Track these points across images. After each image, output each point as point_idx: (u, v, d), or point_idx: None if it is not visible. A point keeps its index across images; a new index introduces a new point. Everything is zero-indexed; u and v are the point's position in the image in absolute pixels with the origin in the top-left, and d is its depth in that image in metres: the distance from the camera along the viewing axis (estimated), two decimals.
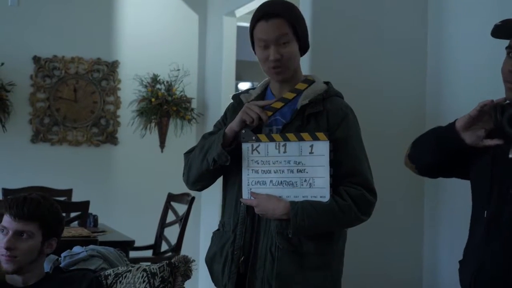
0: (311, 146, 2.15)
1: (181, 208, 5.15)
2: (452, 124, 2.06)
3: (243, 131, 2.21)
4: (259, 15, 2.24)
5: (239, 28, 5.85)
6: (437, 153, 2.10)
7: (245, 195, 2.24)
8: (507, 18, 2.01)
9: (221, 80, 5.76)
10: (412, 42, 3.82)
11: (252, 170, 2.22)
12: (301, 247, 2.18)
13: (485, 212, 1.99)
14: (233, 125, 2.23)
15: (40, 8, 5.72)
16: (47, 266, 2.44)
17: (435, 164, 2.14)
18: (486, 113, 1.98)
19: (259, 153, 2.21)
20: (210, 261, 2.35)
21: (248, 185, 2.23)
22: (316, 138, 2.15)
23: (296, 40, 2.24)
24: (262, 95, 2.35)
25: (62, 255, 2.54)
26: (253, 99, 2.33)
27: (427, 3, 3.82)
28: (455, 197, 3.54)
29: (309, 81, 2.26)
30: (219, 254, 2.29)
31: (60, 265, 2.49)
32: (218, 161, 2.21)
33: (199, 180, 2.33)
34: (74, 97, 5.83)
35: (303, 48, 2.30)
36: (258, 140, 2.21)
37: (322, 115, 2.22)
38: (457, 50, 3.58)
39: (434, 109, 3.77)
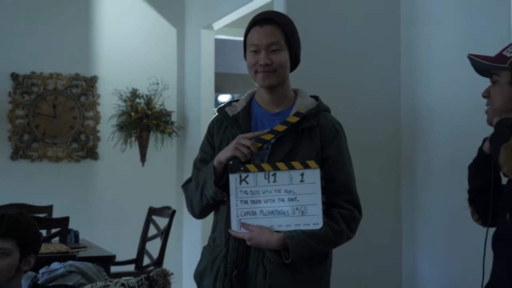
0: (302, 174, 2.13)
1: (162, 222, 5.15)
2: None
3: (231, 163, 2.18)
4: (254, 21, 2.26)
5: (217, 41, 5.89)
6: (477, 172, 2.15)
7: (234, 226, 2.20)
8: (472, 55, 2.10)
9: (200, 93, 5.78)
10: (385, 52, 3.87)
11: (241, 201, 2.18)
12: (294, 261, 2.16)
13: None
14: (221, 158, 2.20)
15: (17, 24, 5.70)
16: (25, 283, 2.43)
17: (481, 188, 2.15)
18: None
19: (247, 183, 2.17)
20: (199, 276, 2.32)
21: (238, 216, 2.19)
22: (307, 166, 2.13)
23: (288, 49, 2.25)
24: (248, 108, 2.32)
25: (40, 271, 2.54)
26: (238, 112, 2.30)
27: (399, 13, 3.88)
28: (432, 208, 3.59)
29: (300, 114, 2.21)
30: (209, 268, 2.27)
31: (38, 282, 2.48)
32: (215, 198, 2.21)
33: (204, 212, 2.34)
34: (54, 113, 5.81)
35: (294, 61, 2.30)
36: (246, 170, 2.17)
37: (315, 129, 2.23)
38: (429, 62, 3.63)
39: (409, 120, 3.81)
